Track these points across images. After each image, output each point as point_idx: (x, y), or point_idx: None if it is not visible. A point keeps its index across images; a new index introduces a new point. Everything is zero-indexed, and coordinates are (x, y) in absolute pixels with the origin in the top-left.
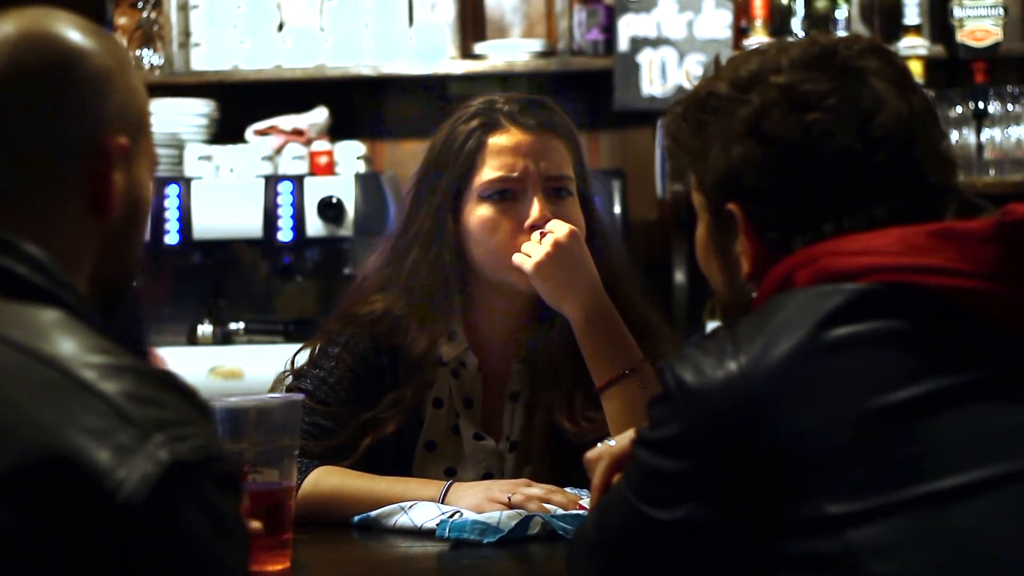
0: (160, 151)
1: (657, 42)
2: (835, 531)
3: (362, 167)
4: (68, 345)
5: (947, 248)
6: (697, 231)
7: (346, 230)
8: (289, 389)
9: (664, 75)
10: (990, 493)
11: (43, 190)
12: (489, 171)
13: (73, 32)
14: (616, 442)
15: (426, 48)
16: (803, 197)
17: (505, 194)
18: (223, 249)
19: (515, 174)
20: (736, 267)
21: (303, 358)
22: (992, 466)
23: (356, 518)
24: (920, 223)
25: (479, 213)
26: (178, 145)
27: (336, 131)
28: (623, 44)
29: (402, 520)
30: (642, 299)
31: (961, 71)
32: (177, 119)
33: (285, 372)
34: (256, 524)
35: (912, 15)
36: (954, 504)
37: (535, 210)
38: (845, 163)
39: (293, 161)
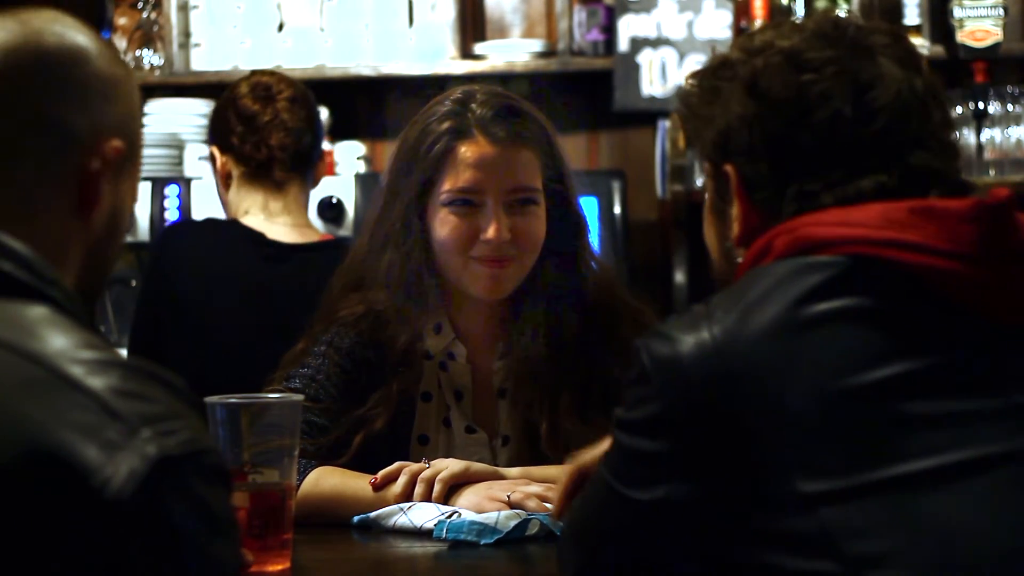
0: (160, 151)
1: (657, 42)
2: (810, 510)
3: (362, 167)
4: (55, 341)
5: (926, 225)
6: (705, 200)
7: (346, 230)
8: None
9: (664, 75)
10: (962, 478)
11: (34, 178)
12: (452, 180)
13: (91, 36)
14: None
15: (426, 48)
16: (792, 157)
17: (467, 202)
18: None
19: (477, 187)
20: (729, 232)
21: (290, 360)
22: (964, 450)
23: (356, 518)
24: (904, 200)
25: (440, 218)
26: (178, 145)
27: (336, 131)
28: (623, 44)
29: (401, 520)
30: (624, 290)
31: (961, 71)
32: (177, 119)
33: (273, 376)
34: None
35: (912, 15)
36: (926, 488)
37: (492, 230)
38: (835, 129)
39: None
